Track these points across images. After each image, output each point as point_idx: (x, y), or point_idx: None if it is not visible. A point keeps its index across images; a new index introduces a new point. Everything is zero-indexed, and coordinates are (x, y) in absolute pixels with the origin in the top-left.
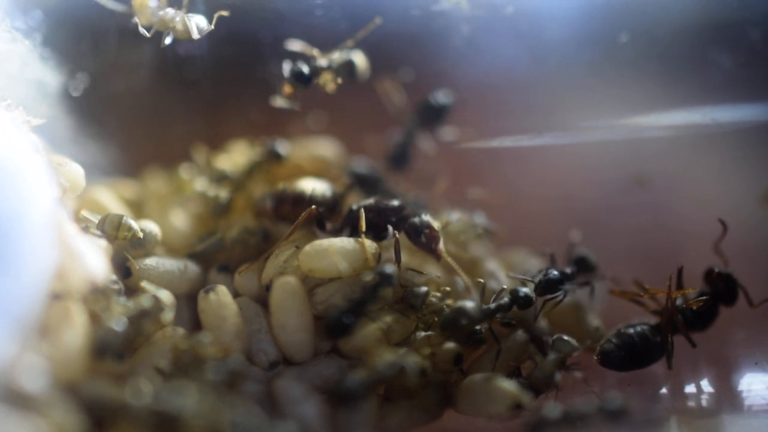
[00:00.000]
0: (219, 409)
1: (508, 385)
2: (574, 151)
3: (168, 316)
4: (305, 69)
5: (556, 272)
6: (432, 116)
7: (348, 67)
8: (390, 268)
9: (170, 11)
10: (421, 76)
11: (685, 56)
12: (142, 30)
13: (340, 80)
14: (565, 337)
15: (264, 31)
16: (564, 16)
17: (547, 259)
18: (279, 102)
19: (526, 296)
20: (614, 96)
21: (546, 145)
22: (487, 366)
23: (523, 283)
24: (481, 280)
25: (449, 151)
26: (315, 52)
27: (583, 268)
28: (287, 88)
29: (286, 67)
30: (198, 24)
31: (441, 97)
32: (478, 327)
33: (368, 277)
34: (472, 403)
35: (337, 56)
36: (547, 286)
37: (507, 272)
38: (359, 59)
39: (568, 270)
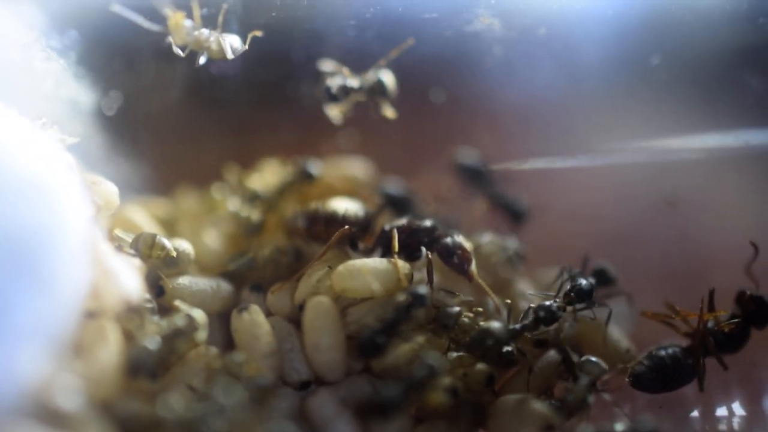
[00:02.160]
0: (252, 429)
1: (540, 407)
2: (605, 172)
3: (201, 335)
4: (335, 88)
5: (585, 281)
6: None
7: (378, 86)
8: (423, 289)
9: (205, 31)
10: (453, 97)
11: (717, 78)
12: (176, 49)
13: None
14: (594, 359)
15: (297, 51)
16: (596, 37)
17: (563, 272)
18: (332, 113)
19: (548, 311)
20: (646, 118)
21: (577, 167)
22: (520, 387)
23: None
24: (509, 301)
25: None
26: (346, 71)
27: (602, 281)
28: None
29: (322, 85)
30: (232, 44)
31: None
32: (508, 347)
33: (401, 297)
34: (505, 424)
35: (369, 77)
36: (578, 296)
37: (536, 291)
38: (388, 78)
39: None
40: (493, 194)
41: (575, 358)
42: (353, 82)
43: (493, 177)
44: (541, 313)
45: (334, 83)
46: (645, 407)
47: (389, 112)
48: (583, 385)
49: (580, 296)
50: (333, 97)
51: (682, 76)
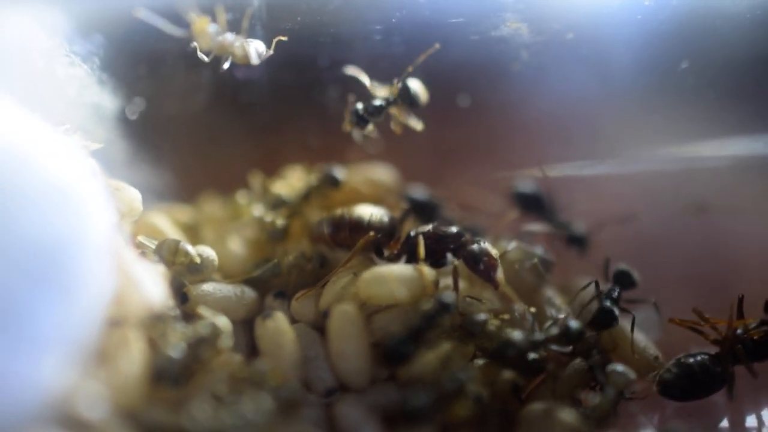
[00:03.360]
0: None
1: (568, 416)
2: (634, 178)
3: (225, 342)
4: (362, 112)
5: (607, 303)
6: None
7: (405, 95)
8: (449, 297)
9: (229, 36)
10: (480, 103)
11: (747, 84)
12: (201, 54)
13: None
14: (620, 369)
15: (322, 56)
16: (624, 42)
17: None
18: (356, 136)
19: (578, 331)
20: (674, 123)
21: (605, 173)
22: (547, 395)
23: (577, 314)
24: (533, 310)
25: (509, 177)
26: (371, 85)
27: (624, 283)
28: (350, 125)
29: (350, 108)
30: (257, 49)
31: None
32: (534, 355)
33: (427, 304)
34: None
35: (393, 89)
36: (601, 321)
37: (563, 299)
38: (416, 86)
39: (614, 292)
40: (553, 221)
41: (602, 366)
42: (379, 102)
43: (552, 204)
44: (572, 332)
45: (361, 108)
46: (673, 415)
47: (415, 123)
48: (609, 395)
49: (603, 320)
50: (361, 120)
51: (712, 82)
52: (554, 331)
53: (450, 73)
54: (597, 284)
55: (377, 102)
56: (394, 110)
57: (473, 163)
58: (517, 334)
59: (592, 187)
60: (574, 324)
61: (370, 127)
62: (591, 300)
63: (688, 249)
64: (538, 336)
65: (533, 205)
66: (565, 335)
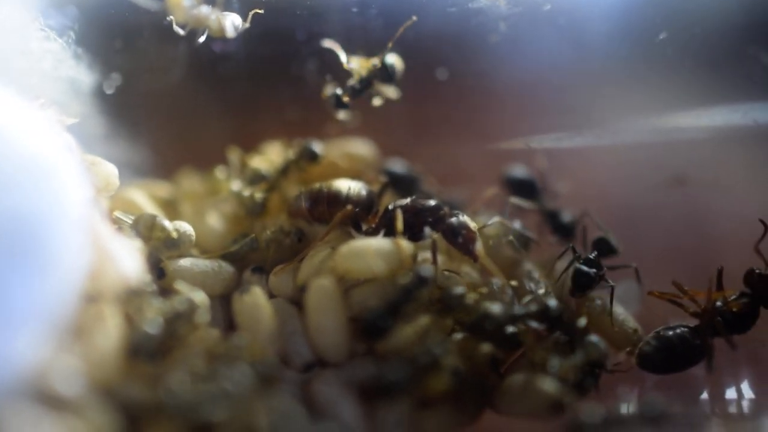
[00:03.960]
0: (254, 411)
1: (548, 385)
2: (612, 150)
3: (202, 317)
4: (343, 98)
5: (583, 266)
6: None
7: (384, 73)
8: (427, 270)
9: (205, 9)
10: (458, 75)
11: (725, 55)
12: (176, 28)
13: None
14: (595, 340)
15: (299, 29)
16: (602, 13)
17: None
18: (341, 116)
19: (556, 310)
20: (652, 95)
21: (583, 145)
22: (526, 366)
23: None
24: (514, 283)
25: (489, 150)
26: (348, 62)
27: (602, 250)
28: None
29: (328, 92)
30: (233, 22)
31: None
32: (512, 329)
33: (405, 278)
34: (512, 403)
35: (371, 66)
36: (581, 284)
37: (542, 273)
38: (394, 62)
39: (591, 255)
40: (542, 208)
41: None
42: (357, 84)
43: (542, 190)
44: (551, 311)
45: (341, 91)
46: (653, 388)
47: (392, 93)
48: (571, 364)
49: (582, 284)
50: (342, 104)
51: (690, 52)
52: (533, 307)
53: (428, 46)
54: (573, 249)
55: (356, 85)
56: (372, 88)
57: (453, 136)
58: (495, 307)
59: (571, 159)
60: (553, 303)
61: (346, 113)
62: (569, 266)
63: (668, 222)
64: (517, 310)
65: (525, 190)
66: (544, 313)
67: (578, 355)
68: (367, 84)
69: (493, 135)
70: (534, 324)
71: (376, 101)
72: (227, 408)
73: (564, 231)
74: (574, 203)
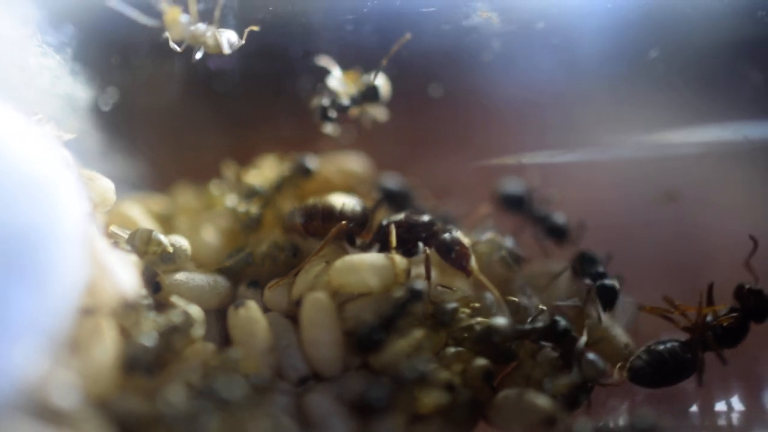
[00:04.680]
0: (249, 425)
1: (540, 400)
2: (605, 167)
3: (198, 331)
4: (329, 111)
5: (606, 280)
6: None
7: (371, 92)
8: (420, 285)
9: (201, 26)
10: (452, 92)
11: (716, 72)
12: (173, 45)
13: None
14: (593, 358)
15: (294, 46)
16: (595, 31)
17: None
18: (327, 129)
19: (564, 329)
20: (645, 112)
21: (575, 162)
22: (519, 381)
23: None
24: (514, 299)
25: (483, 166)
26: (338, 80)
27: (588, 265)
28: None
29: (315, 104)
30: (229, 39)
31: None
32: (510, 343)
33: (399, 293)
34: (505, 417)
35: (359, 87)
36: (610, 299)
37: (535, 289)
38: (382, 85)
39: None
40: (536, 217)
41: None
42: (345, 101)
43: (534, 200)
44: (560, 330)
45: (327, 104)
46: (644, 402)
47: (380, 114)
48: (566, 381)
49: (554, 334)
50: (327, 117)
51: (682, 70)
52: (540, 324)
53: (422, 63)
54: (574, 268)
55: (343, 101)
56: (360, 108)
57: (447, 152)
58: (502, 322)
59: (562, 175)
60: (562, 321)
61: (332, 127)
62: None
63: (660, 237)
64: (525, 326)
65: (518, 205)
66: (552, 331)
67: (576, 372)
68: (354, 102)
69: (486, 151)
70: (542, 342)
71: (364, 120)
72: (222, 421)
73: (559, 233)
74: (568, 219)
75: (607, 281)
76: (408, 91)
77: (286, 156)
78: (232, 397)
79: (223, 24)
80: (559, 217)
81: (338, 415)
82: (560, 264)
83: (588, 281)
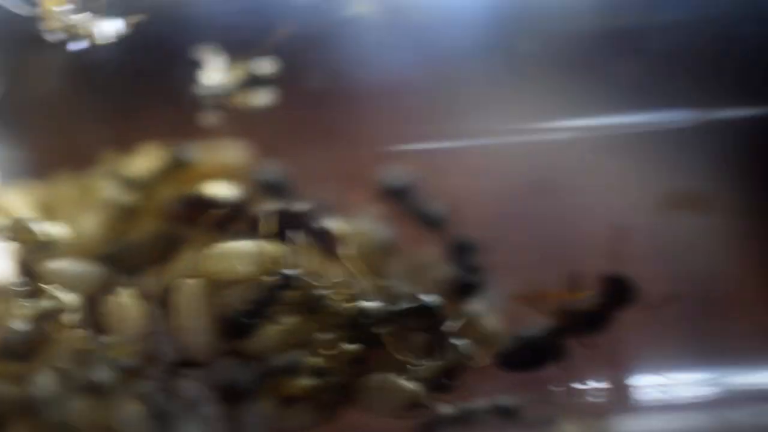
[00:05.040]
0: (115, 411)
1: (406, 383)
2: (478, 155)
3: (71, 317)
4: (209, 100)
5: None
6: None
7: (253, 79)
8: (291, 271)
9: (80, 16)
10: (332, 81)
11: (587, 63)
12: (52, 34)
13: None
14: (459, 343)
15: (175, 36)
16: (469, 23)
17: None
18: (206, 118)
19: (430, 307)
20: (516, 102)
21: (451, 149)
22: (388, 365)
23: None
24: (385, 284)
25: (363, 154)
26: (218, 68)
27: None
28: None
29: (195, 93)
30: (108, 29)
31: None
32: (379, 327)
33: (270, 279)
34: (373, 400)
35: (240, 72)
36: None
37: (408, 274)
38: (264, 69)
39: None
40: (414, 207)
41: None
42: (226, 88)
43: (413, 189)
44: (425, 307)
45: (206, 93)
46: (510, 387)
47: (263, 99)
48: (435, 365)
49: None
50: (208, 107)
51: (553, 60)
52: (407, 305)
53: (302, 52)
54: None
55: (223, 90)
56: (240, 94)
57: (327, 140)
58: (371, 305)
59: (441, 163)
60: (429, 299)
61: (215, 117)
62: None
63: (533, 224)
64: (393, 308)
65: (397, 194)
66: (419, 310)
67: (443, 356)
68: (234, 91)
69: (366, 139)
70: (410, 322)
71: (246, 107)
72: (89, 404)
73: (435, 223)
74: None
75: (476, 274)
76: (290, 81)
77: (166, 145)
78: (100, 382)
79: (102, 14)
80: (436, 207)
81: (207, 401)
82: (434, 253)
83: (460, 270)
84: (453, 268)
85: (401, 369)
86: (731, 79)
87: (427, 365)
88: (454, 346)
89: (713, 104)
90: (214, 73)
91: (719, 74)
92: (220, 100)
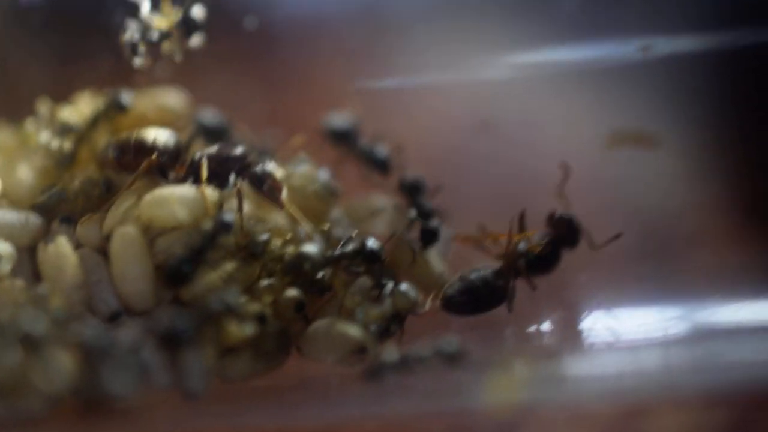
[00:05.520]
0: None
1: (351, 330)
2: (420, 95)
3: (5, 267)
4: (138, 46)
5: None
6: None
7: (185, 24)
8: (228, 216)
9: None
10: (269, 23)
11: None
12: None
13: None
14: (405, 288)
15: None
16: None
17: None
18: (136, 64)
19: (373, 251)
20: (458, 39)
21: (394, 89)
22: (332, 312)
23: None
24: (326, 229)
25: (306, 96)
26: (149, 15)
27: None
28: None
29: (124, 39)
30: None
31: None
32: (321, 274)
33: (207, 224)
34: (317, 348)
35: (171, 20)
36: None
37: (351, 220)
38: (197, 13)
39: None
40: (357, 150)
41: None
42: (154, 34)
43: (358, 133)
44: (367, 251)
45: (135, 38)
46: (458, 330)
47: (195, 42)
48: (380, 312)
49: (364, 258)
50: (136, 52)
51: None
52: (350, 248)
53: None
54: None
55: (153, 35)
56: (172, 41)
57: (267, 85)
58: (312, 249)
59: (385, 103)
60: (372, 243)
61: (142, 61)
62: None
63: (480, 164)
64: (334, 252)
65: (343, 138)
66: (362, 254)
67: (387, 303)
68: (165, 36)
69: (306, 81)
70: (351, 266)
71: (178, 56)
72: (24, 354)
73: (382, 166)
74: (396, 148)
75: (431, 223)
76: (224, 25)
77: (101, 92)
78: (33, 331)
79: None
80: (382, 150)
81: (146, 348)
82: (382, 197)
83: (412, 214)
84: (409, 209)
85: (347, 315)
86: (675, 11)
87: (373, 312)
88: (399, 292)
89: (657, 36)
90: (143, 16)
91: (663, 5)
92: (154, 44)
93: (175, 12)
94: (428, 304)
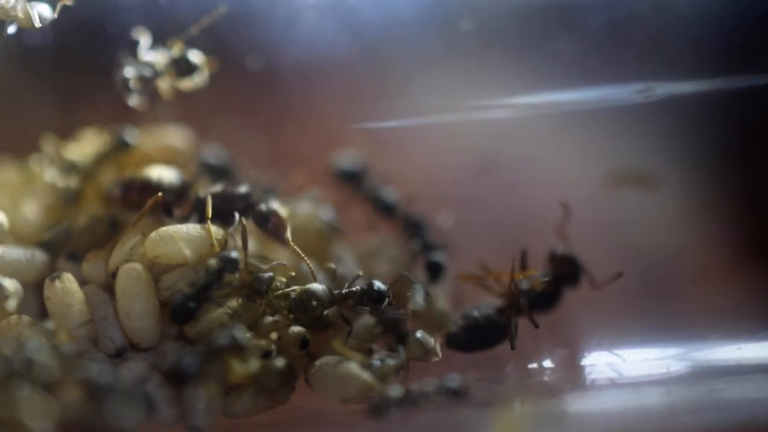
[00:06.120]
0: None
1: (358, 371)
2: (418, 137)
3: (12, 304)
4: (131, 83)
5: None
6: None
7: (181, 65)
8: (233, 254)
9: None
10: (271, 63)
11: (531, 41)
12: None
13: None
14: (420, 337)
15: (110, 20)
16: (411, 1)
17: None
18: (130, 99)
19: (380, 291)
20: (461, 80)
21: (400, 129)
22: (337, 350)
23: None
24: (331, 267)
25: (311, 136)
26: (144, 53)
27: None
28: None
29: (119, 77)
30: (41, 13)
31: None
32: (325, 311)
33: (212, 262)
34: (325, 385)
35: (167, 58)
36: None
37: (354, 258)
38: (193, 57)
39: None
40: (364, 192)
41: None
42: (149, 71)
43: (366, 175)
44: (374, 291)
45: (130, 75)
46: (460, 367)
47: (198, 81)
48: (396, 364)
49: (370, 298)
50: (128, 88)
51: (497, 39)
52: (357, 288)
53: (240, 35)
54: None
55: (146, 74)
56: (166, 79)
57: (272, 123)
58: (318, 287)
59: (390, 143)
60: (377, 284)
61: (138, 100)
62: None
63: (480, 203)
64: (341, 291)
65: (351, 179)
66: (369, 294)
67: (402, 353)
68: (158, 74)
69: (311, 121)
70: (358, 306)
71: (181, 90)
72: (32, 389)
73: (388, 210)
74: (399, 187)
75: (437, 256)
76: (228, 64)
77: (106, 130)
78: (41, 366)
79: None
80: (390, 195)
81: (152, 384)
82: (386, 238)
83: (417, 250)
84: (415, 248)
85: (354, 353)
86: (675, 54)
87: (388, 363)
88: (415, 340)
89: (658, 79)
90: (148, 55)
91: (663, 48)
92: (153, 82)
93: (172, 52)
94: (439, 351)
